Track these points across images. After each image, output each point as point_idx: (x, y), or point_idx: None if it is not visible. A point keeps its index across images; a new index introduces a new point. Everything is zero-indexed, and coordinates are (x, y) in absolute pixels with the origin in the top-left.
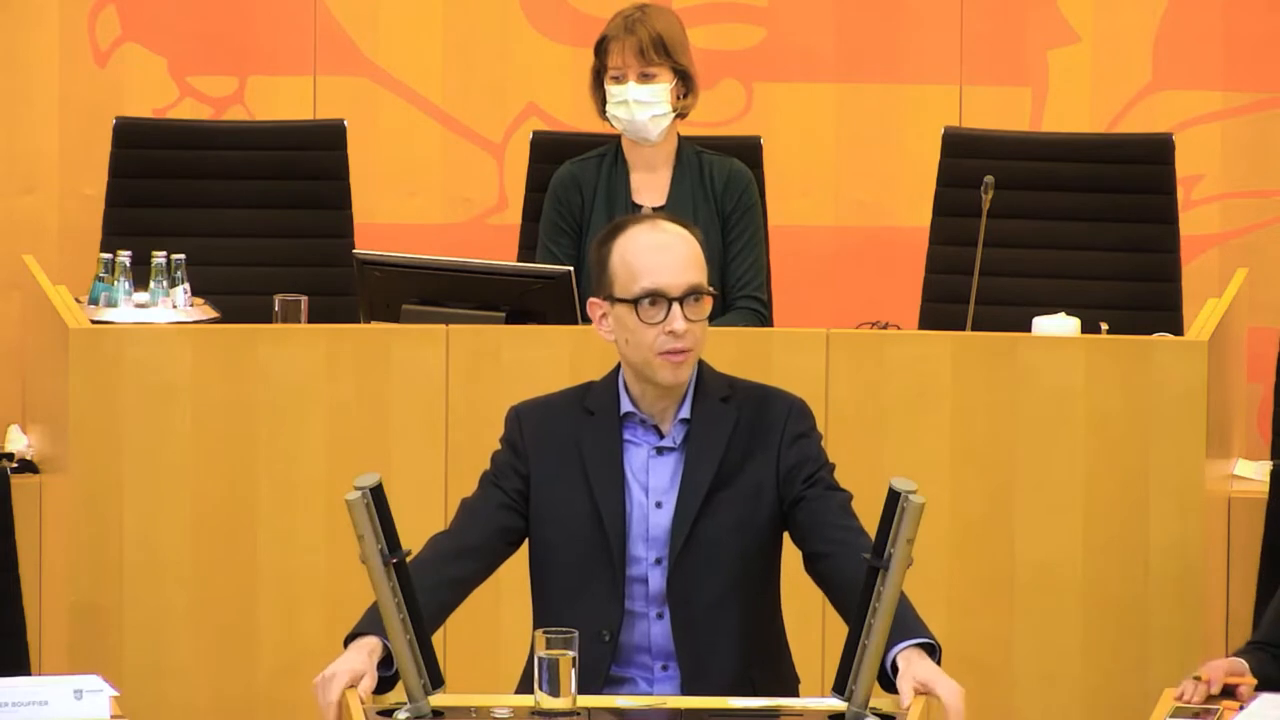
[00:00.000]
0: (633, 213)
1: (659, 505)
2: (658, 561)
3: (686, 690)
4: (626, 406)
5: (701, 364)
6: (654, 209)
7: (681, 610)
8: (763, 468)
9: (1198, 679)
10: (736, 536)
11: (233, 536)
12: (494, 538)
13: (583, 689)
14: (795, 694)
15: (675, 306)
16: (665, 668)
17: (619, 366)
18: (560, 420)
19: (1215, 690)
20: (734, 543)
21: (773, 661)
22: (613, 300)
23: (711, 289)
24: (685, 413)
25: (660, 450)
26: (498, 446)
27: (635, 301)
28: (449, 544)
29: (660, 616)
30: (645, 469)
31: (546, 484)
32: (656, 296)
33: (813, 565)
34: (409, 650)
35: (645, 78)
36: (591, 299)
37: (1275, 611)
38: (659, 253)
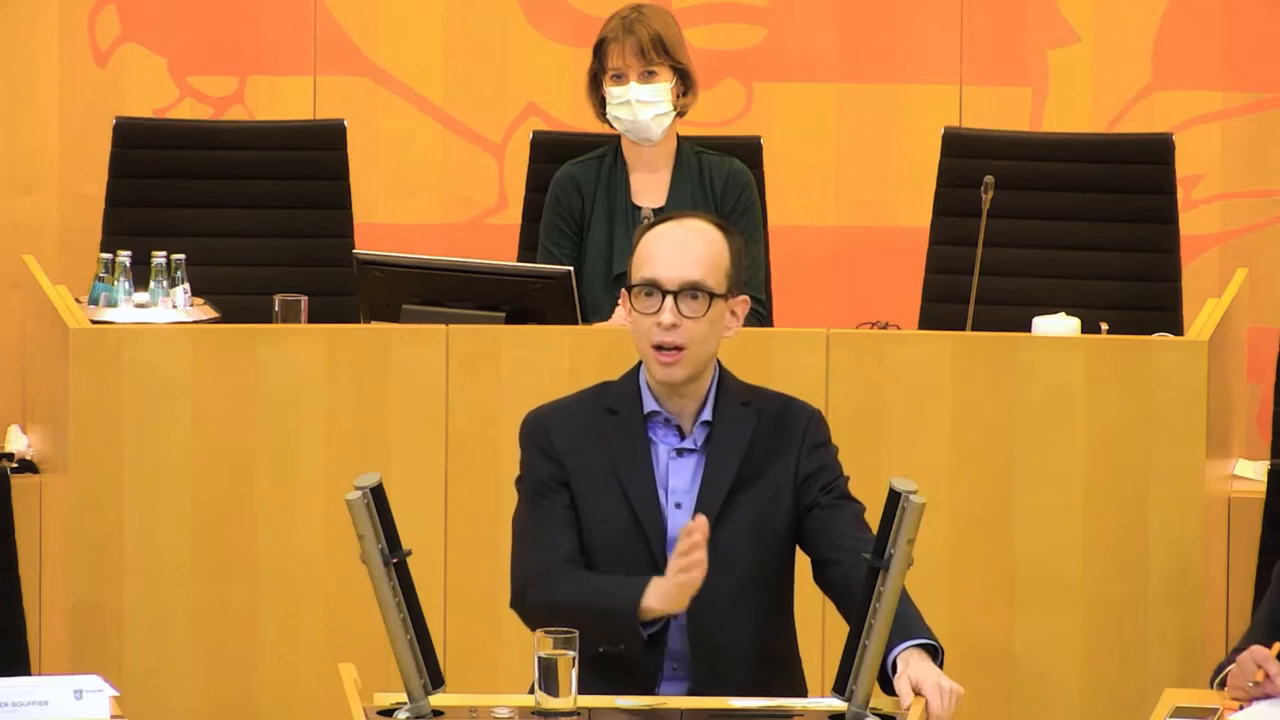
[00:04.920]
0: (633, 214)
1: (678, 506)
2: None
3: (695, 692)
4: (650, 405)
5: (723, 369)
6: (654, 210)
7: (696, 610)
8: (782, 472)
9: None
10: (754, 539)
11: (233, 536)
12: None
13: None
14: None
15: (668, 299)
16: (675, 668)
17: (640, 364)
18: (585, 421)
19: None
20: (751, 545)
21: (785, 666)
22: (626, 288)
23: (716, 291)
24: (707, 415)
25: (680, 451)
26: (498, 447)
27: (633, 289)
28: (556, 556)
29: (675, 616)
30: (666, 469)
31: (583, 486)
32: (652, 287)
33: (821, 573)
34: (409, 650)
35: (647, 76)
36: (623, 289)
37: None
38: (666, 245)
